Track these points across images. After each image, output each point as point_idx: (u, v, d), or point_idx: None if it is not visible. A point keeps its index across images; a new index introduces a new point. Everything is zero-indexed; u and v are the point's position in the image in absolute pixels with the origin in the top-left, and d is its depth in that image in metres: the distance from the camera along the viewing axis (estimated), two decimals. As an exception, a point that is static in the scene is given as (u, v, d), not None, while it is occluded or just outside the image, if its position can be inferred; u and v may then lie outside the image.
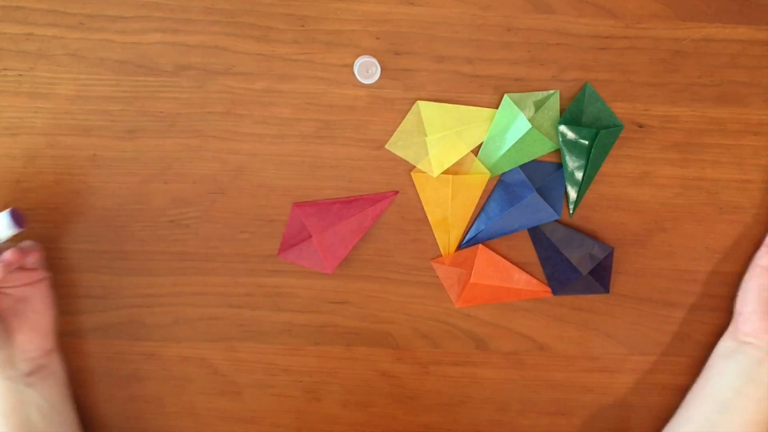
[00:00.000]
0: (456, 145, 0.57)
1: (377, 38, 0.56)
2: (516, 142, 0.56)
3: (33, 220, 0.56)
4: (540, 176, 0.58)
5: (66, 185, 0.56)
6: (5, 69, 0.55)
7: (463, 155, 0.57)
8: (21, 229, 0.51)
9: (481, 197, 0.58)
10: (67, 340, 0.58)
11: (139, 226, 0.57)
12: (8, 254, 0.50)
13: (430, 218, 0.58)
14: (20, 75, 0.55)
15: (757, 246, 0.58)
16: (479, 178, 0.57)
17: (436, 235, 0.58)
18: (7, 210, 0.50)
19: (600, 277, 0.58)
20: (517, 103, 0.56)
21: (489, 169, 0.57)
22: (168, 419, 0.60)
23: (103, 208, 0.57)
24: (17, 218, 0.51)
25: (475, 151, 0.57)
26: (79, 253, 0.57)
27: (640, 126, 0.58)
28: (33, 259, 0.53)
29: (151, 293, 0.57)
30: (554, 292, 0.59)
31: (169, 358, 0.59)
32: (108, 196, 0.57)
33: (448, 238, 0.58)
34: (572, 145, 0.57)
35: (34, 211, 0.56)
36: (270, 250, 0.58)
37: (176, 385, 0.60)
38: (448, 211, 0.57)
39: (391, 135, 0.57)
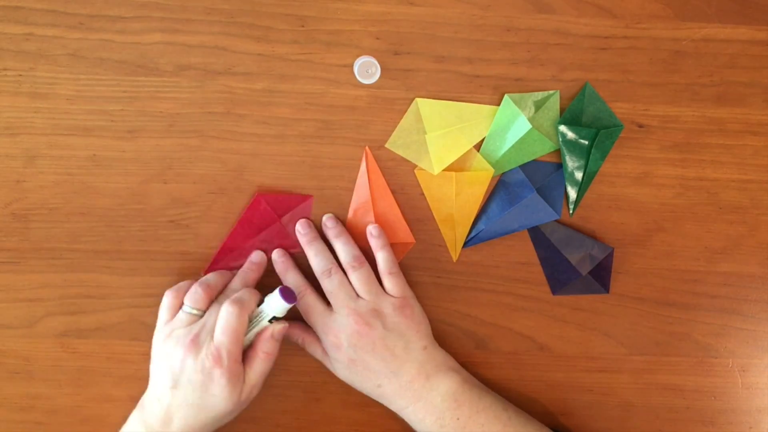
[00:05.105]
0: (456, 143, 0.57)
1: (377, 38, 0.56)
2: (516, 142, 0.56)
3: (33, 220, 0.56)
4: (540, 176, 0.58)
5: (66, 185, 0.56)
6: (5, 69, 0.55)
7: (463, 152, 0.57)
8: (293, 305, 0.52)
9: (485, 193, 0.58)
10: (67, 340, 0.58)
11: (138, 226, 0.57)
12: (281, 327, 0.53)
13: (435, 215, 0.58)
14: (20, 75, 0.55)
15: (757, 246, 0.59)
16: (483, 175, 0.57)
17: (442, 231, 0.58)
18: (277, 289, 0.52)
19: (600, 277, 0.58)
20: (517, 103, 0.56)
21: (489, 169, 0.57)
22: (168, 419, 0.60)
23: (103, 208, 0.57)
24: (288, 295, 0.52)
25: (476, 149, 0.57)
26: (79, 253, 0.57)
27: (640, 126, 0.58)
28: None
29: (151, 293, 0.57)
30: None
31: (169, 358, 0.59)
32: (108, 196, 0.57)
33: (454, 234, 0.58)
34: (572, 145, 0.57)
35: (34, 211, 0.56)
36: (270, 250, 0.58)
37: (176, 385, 0.60)
38: (453, 208, 0.57)
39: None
